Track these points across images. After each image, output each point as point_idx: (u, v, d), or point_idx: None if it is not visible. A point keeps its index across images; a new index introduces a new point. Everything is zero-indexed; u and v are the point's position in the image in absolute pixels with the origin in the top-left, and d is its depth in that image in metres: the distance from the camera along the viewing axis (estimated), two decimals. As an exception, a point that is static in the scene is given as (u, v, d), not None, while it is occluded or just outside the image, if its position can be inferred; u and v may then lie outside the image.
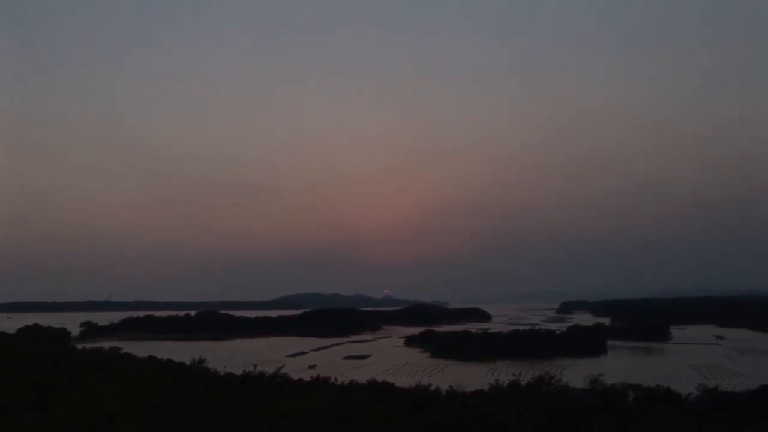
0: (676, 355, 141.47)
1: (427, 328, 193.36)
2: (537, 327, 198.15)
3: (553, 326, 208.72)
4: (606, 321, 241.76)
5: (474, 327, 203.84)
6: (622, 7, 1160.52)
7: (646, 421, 28.91)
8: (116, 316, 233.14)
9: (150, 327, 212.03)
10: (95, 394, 23.44)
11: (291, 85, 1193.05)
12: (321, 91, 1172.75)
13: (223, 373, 39.63)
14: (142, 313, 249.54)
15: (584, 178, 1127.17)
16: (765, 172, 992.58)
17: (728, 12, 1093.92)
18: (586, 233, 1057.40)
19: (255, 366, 35.20)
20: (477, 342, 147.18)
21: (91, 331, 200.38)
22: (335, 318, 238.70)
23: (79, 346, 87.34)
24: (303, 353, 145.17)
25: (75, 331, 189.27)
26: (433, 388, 42.24)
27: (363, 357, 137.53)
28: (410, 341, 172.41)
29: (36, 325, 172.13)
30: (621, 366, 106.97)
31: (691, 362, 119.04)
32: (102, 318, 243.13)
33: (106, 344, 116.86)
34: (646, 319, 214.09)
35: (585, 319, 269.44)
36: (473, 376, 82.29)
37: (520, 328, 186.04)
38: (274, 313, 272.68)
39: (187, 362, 40.83)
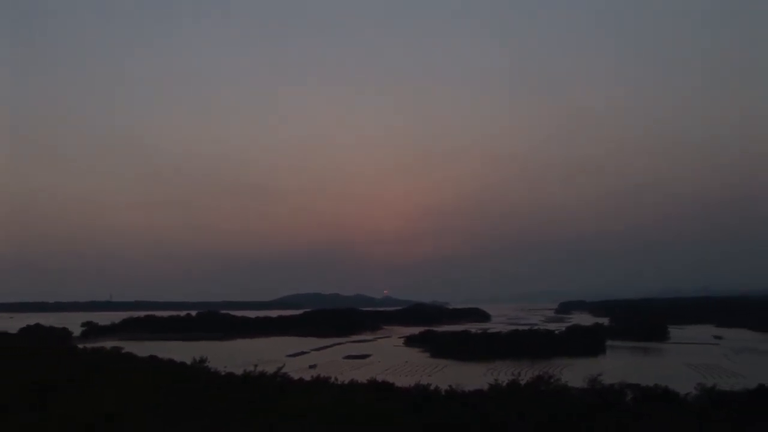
0: (674, 354, 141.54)
1: (426, 328, 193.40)
2: (536, 327, 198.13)
3: (552, 326, 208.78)
4: (605, 321, 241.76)
5: (473, 327, 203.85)
6: (622, 8, 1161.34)
7: (647, 421, 28.95)
8: (117, 316, 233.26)
9: (151, 327, 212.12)
10: (95, 394, 23.48)
11: (291, 85, 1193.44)
12: (321, 91, 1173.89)
13: (223, 373, 39.74)
14: (143, 313, 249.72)
15: (584, 178, 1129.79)
16: (765, 172, 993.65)
17: (728, 12, 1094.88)
18: (586, 233, 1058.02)
19: (255, 366, 35.27)
20: (476, 342, 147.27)
21: (92, 331, 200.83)
22: (335, 318, 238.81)
23: (80, 346, 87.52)
24: (303, 353, 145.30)
25: (76, 331, 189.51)
26: (432, 387, 42.34)
27: (363, 357, 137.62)
28: (410, 341, 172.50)
29: (38, 325, 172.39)
30: (620, 366, 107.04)
31: (689, 362, 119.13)
32: (103, 318, 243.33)
33: (108, 344, 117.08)
34: (644, 319, 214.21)
35: (584, 319, 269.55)
36: (473, 376, 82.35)
37: (520, 328, 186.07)
38: (274, 313, 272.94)
39: (188, 362, 40.90)
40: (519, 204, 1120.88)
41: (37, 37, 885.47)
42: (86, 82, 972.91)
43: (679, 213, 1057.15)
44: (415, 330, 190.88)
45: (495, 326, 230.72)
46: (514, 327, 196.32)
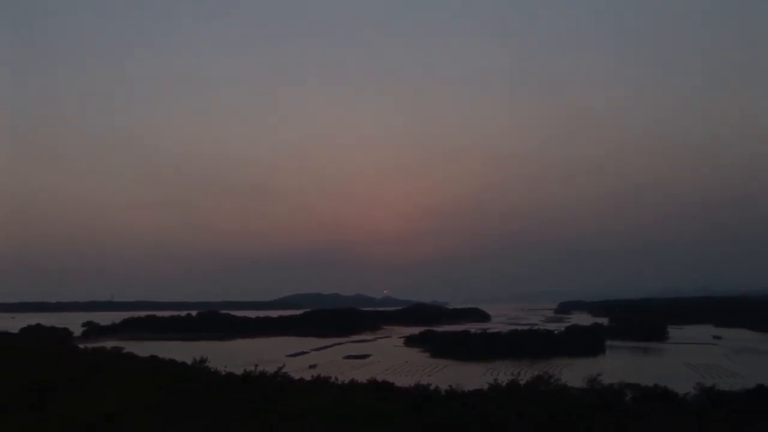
0: (673, 354, 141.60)
1: (426, 328, 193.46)
2: (536, 327, 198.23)
3: (551, 326, 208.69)
4: (604, 321, 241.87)
5: (473, 327, 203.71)
6: (621, 8, 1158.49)
7: (647, 421, 29.00)
8: (118, 316, 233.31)
9: (152, 327, 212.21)
10: (95, 394, 23.51)
11: (291, 85, 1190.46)
12: (321, 91, 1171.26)
13: (224, 373, 39.79)
14: (143, 313, 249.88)
15: (584, 178, 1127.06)
16: (765, 172, 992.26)
17: (728, 12, 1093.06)
18: (586, 233, 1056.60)
19: (256, 366, 35.31)
20: (476, 342, 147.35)
21: (93, 331, 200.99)
22: (335, 318, 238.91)
23: (81, 346, 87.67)
24: (303, 353, 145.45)
25: (77, 331, 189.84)
26: (432, 387, 42.44)
27: (363, 357, 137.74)
28: (410, 341, 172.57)
29: (39, 325, 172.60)
30: (619, 365, 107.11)
31: (688, 362, 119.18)
32: (104, 318, 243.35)
33: (108, 344, 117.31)
34: (644, 319, 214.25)
35: (583, 319, 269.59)
36: (472, 376, 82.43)
37: (519, 328, 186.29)
38: (274, 314, 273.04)
39: (189, 362, 40.98)
40: (519, 204, 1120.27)
41: (37, 37, 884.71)
42: (86, 82, 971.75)
43: (679, 213, 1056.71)
44: (415, 330, 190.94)
45: (495, 326, 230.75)
46: (513, 327, 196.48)
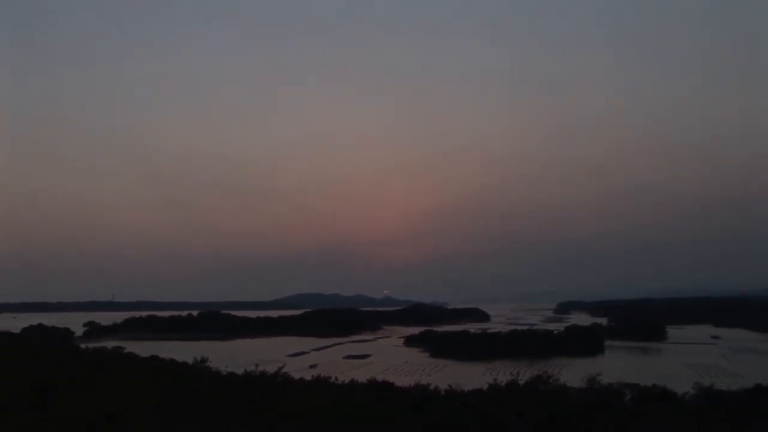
0: (672, 354, 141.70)
1: (426, 328, 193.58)
2: (535, 327, 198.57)
3: (551, 326, 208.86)
4: (603, 321, 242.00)
5: (473, 327, 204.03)
6: (622, 8, 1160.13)
7: (646, 421, 29.09)
8: (119, 316, 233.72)
9: (152, 327, 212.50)
10: (95, 394, 23.58)
11: (291, 85, 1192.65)
12: (321, 91, 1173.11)
13: (224, 373, 39.91)
14: (144, 313, 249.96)
15: (584, 178, 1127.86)
16: (765, 172, 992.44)
17: (728, 12, 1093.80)
18: (586, 233, 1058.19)
19: (256, 366, 35.41)
20: (476, 342, 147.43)
21: (94, 331, 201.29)
22: (335, 318, 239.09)
23: (82, 346, 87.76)
24: (304, 353, 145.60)
25: (78, 331, 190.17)
26: (432, 387, 42.58)
27: (363, 357, 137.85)
28: (410, 341, 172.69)
29: (40, 325, 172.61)
30: (618, 366, 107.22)
31: (687, 362, 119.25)
32: (105, 318, 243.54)
33: (109, 344, 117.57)
34: (643, 320, 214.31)
35: (582, 320, 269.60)
36: (472, 376, 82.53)
37: (519, 328, 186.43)
38: (275, 314, 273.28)
39: (189, 362, 41.06)
40: (519, 204, 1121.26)
41: (37, 37, 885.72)
42: (86, 82, 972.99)
43: (679, 213, 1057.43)
44: (415, 330, 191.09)
45: (494, 326, 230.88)
46: (513, 327, 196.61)
